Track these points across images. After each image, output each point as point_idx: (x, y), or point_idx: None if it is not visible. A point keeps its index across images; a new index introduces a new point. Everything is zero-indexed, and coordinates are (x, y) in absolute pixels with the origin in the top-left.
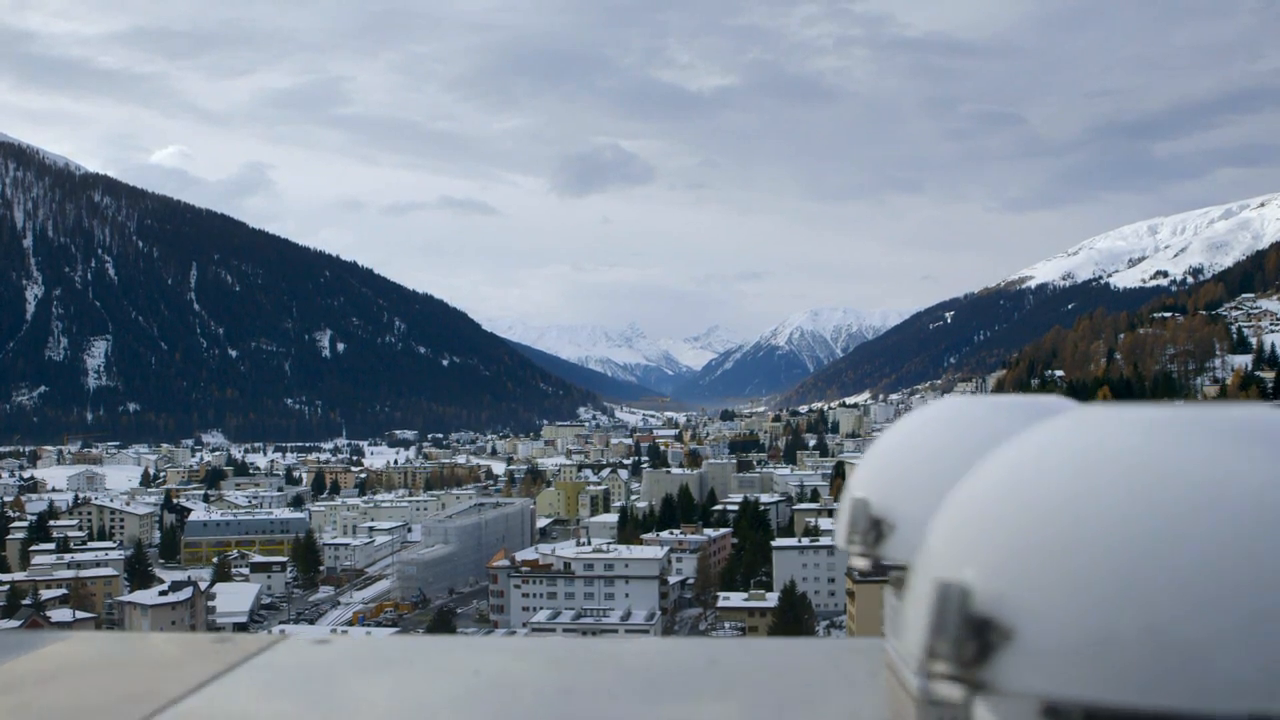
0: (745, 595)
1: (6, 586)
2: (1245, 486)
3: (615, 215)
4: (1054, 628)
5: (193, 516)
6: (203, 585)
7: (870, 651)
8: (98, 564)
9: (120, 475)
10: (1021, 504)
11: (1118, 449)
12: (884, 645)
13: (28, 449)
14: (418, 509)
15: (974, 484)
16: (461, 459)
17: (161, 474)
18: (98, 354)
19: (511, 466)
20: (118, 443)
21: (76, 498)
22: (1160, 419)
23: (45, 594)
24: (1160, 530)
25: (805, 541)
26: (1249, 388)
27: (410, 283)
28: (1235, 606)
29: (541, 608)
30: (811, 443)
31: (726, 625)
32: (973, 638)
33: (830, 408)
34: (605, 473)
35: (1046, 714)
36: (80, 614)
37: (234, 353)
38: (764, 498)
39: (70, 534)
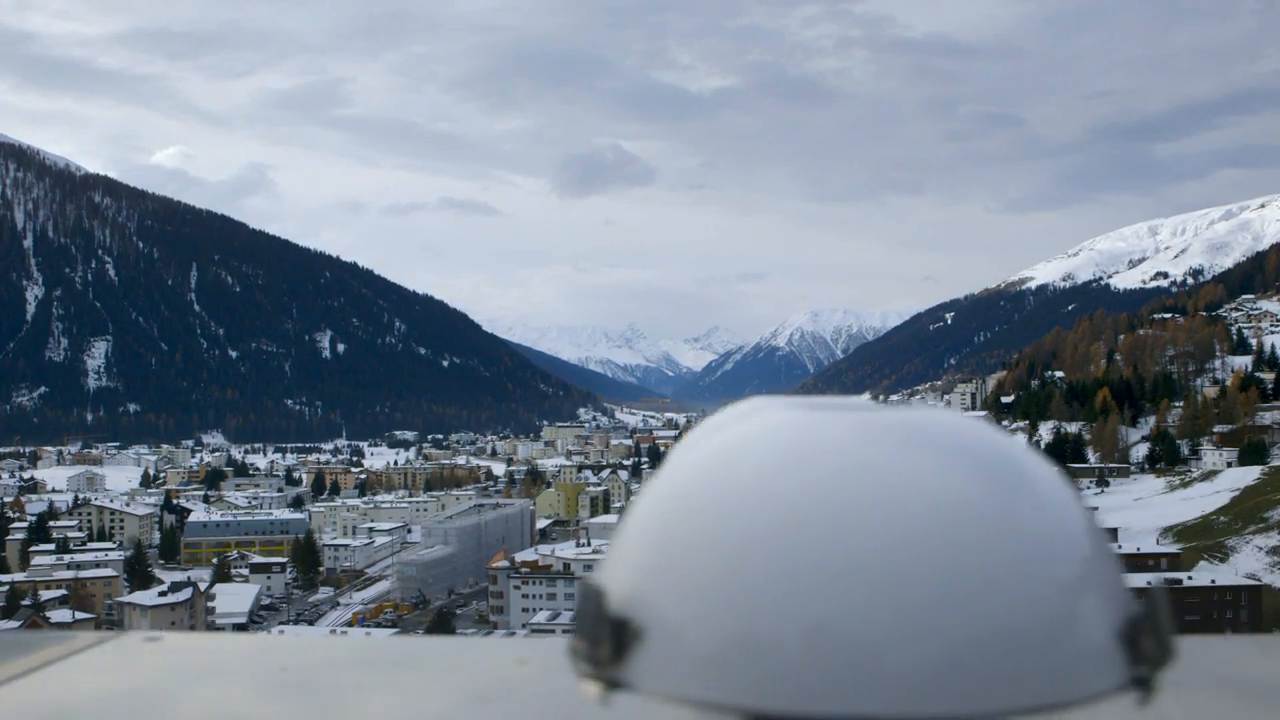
0: None
1: (6, 587)
2: (899, 486)
3: (616, 216)
4: (683, 630)
5: (192, 517)
6: (202, 586)
7: None
8: (97, 565)
9: (120, 476)
10: (666, 508)
11: (769, 451)
12: None
13: (28, 450)
14: (417, 510)
15: (644, 490)
16: (461, 460)
17: (161, 475)
18: (98, 355)
19: (511, 467)
20: (118, 443)
21: (76, 498)
22: (821, 421)
23: (45, 594)
24: (809, 530)
25: None
26: (1249, 389)
27: (411, 283)
28: (885, 608)
29: (541, 608)
30: None
31: None
32: (607, 637)
33: None
34: (605, 473)
35: None
36: (80, 614)
37: (234, 353)
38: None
39: (70, 535)
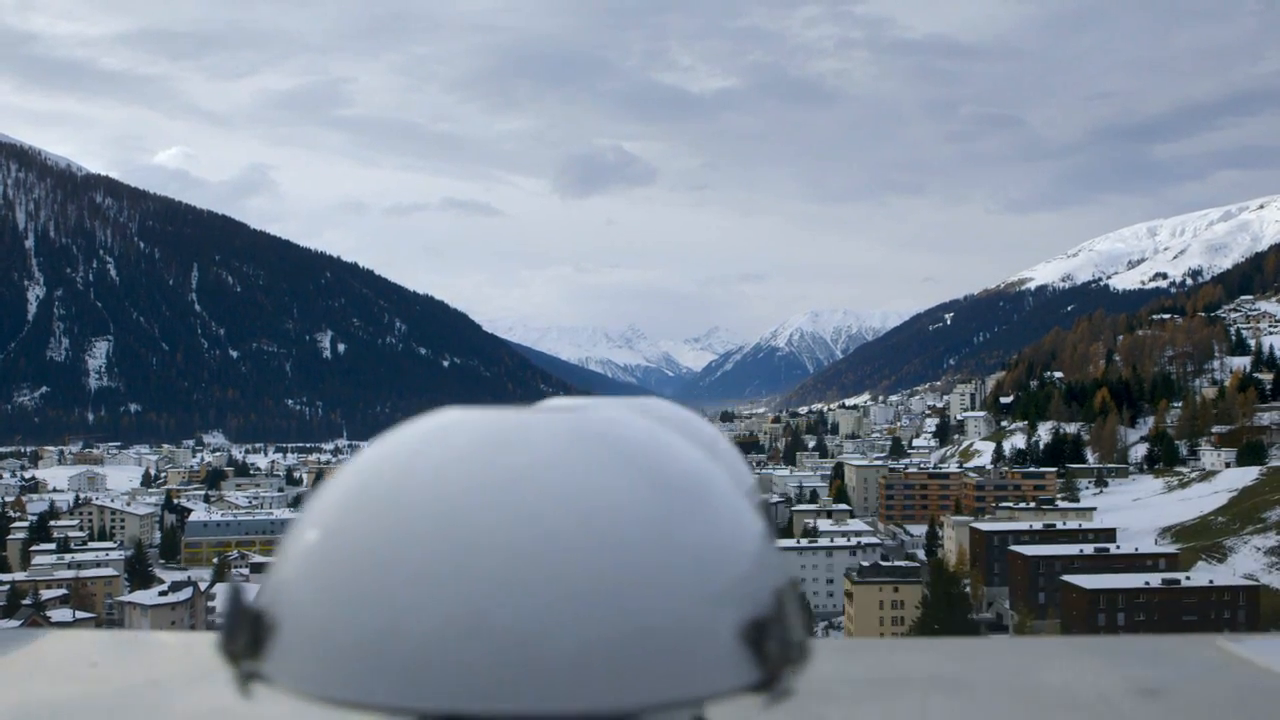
0: None
1: (7, 586)
2: (537, 486)
3: (617, 216)
4: (319, 624)
5: (193, 517)
6: (203, 585)
7: None
8: (98, 564)
9: (121, 475)
10: (321, 505)
11: (431, 453)
12: None
13: (29, 449)
14: None
15: (314, 493)
16: None
17: (162, 474)
18: (99, 354)
19: None
20: (119, 443)
21: (77, 498)
22: (490, 422)
23: (45, 594)
24: (439, 528)
25: (804, 543)
26: (1247, 389)
27: (412, 284)
28: (498, 608)
29: None
30: (811, 444)
31: None
32: (245, 630)
33: (830, 409)
34: None
35: None
36: (80, 614)
37: (235, 353)
38: (763, 498)
39: (71, 534)
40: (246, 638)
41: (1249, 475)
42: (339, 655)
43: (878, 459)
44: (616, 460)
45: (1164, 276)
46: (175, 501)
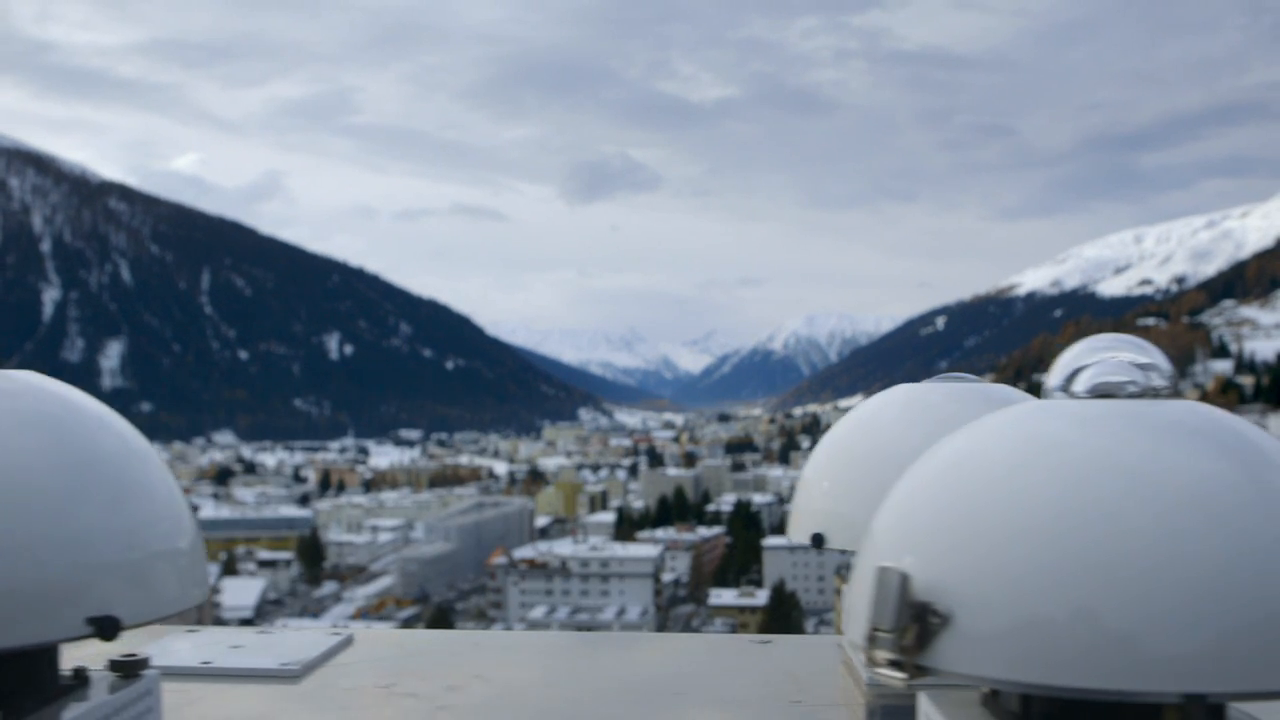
0: (737, 593)
1: None
2: (1176, 478)
3: (622, 222)
4: (989, 612)
5: (202, 514)
6: (210, 581)
7: (825, 648)
8: None
9: None
10: (961, 492)
11: (1055, 440)
12: (838, 641)
13: None
14: (420, 507)
15: (917, 472)
16: (464, 459)
17: (173, 472)
18: (113, 355)
19: (513, 467)
20: None
21: None
22: (1097, 412)
23: None
24: (1092, 518)
25: (796, 541)
26: (1228, 392)
27: (420, 287)
28: (1163, 591)
29: (539, 604)
30: (805, 444)
31: (718, 622)
32: (912, 622)
33: (824, 410)
34: (604, 473)
35: (986, 703)
36: None
37: (244, 355)
38: (757, 498)
39: None
40: (915, 631)
41: None
42: (1009, 642)
43: None
44: (1204, 445)
45: (1149, 283)
46: (184, 499)
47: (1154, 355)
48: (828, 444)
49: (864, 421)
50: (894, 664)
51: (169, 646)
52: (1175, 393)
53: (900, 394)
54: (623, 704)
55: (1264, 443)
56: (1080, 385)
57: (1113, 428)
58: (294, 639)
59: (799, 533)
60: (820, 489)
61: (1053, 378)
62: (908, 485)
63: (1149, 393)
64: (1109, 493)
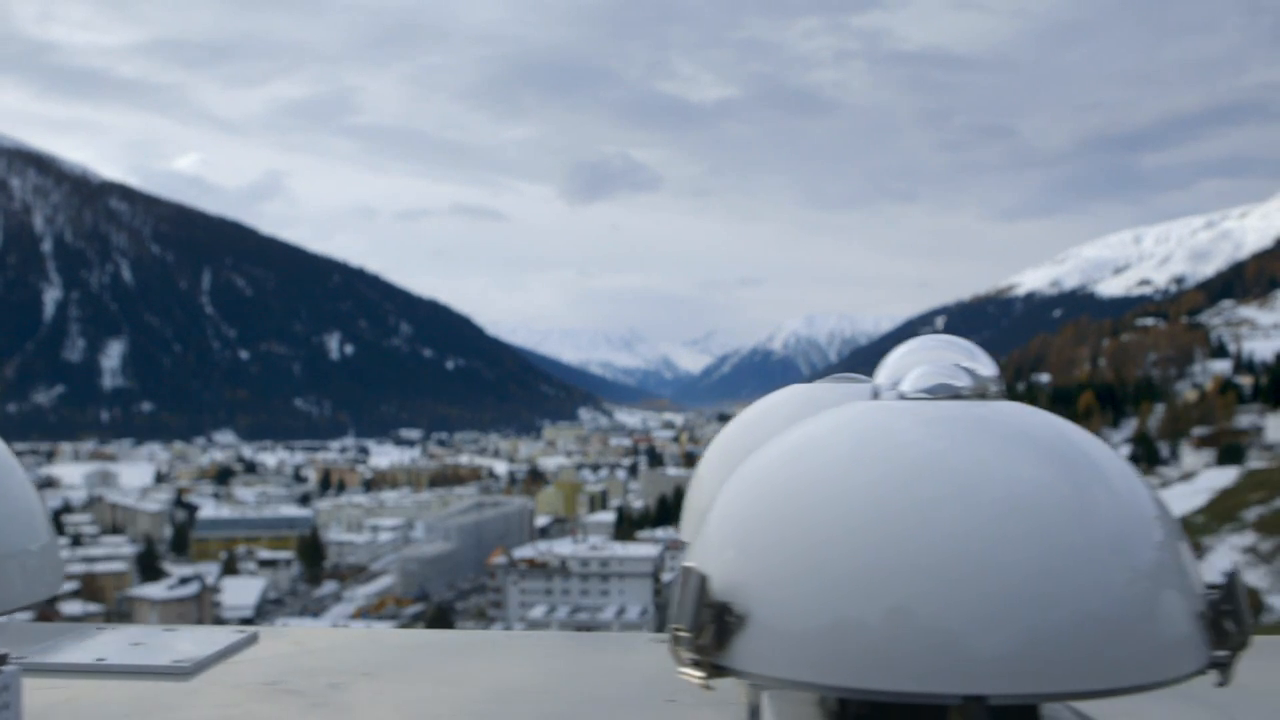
0: None
1: None
2: (998, 481)
3: (622, 222)
4: (786, 613)
5: (202, 513)
6: (211, 580)
7: None
8: (110, 559)
9: (134, 473)
10: (777, 492)
11: (879, 440)
12: None
13: (45, 447)
14: (420, 507)
15: (742, 473)
16: (465, 458)
17: (174, 472)
18: (113, 355)
19: (513, 466)
20: (132, 441)
21: (91, 494)
22: (926, 413)
23: None
24: (906, 520)
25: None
26: (1227, 393)
27: (421, 287)
28: (972, 593)
29: (538, 604)
30: None
31: None
32: (710, 622)
33: None
34: (604, 473)
35: (820, 703)
36: (91, 607)
37: (245, 354)
38: None
39: (84, 529)
40: (713, 631)
41: (1228, 475)
42: (803, 643)
43: None
44: (1026, 448)
45: (1148, 283)
46: (185, 498)
47: (980, 358)
48: (720, 442)
49: (754, 421)
50: (694, 663)
51: (67, 645)
52: (1002, 395)
53: (792, 394)
54: (608, 706)
55: (1087, 445)
56: (909, 385)
57: (939, 429)
58: (198, 636)
59: (688, 530)
60: (710, 487)
61: (881, 376)
62: (731, 486)
63: (976, 394)
64: (926, 494)
